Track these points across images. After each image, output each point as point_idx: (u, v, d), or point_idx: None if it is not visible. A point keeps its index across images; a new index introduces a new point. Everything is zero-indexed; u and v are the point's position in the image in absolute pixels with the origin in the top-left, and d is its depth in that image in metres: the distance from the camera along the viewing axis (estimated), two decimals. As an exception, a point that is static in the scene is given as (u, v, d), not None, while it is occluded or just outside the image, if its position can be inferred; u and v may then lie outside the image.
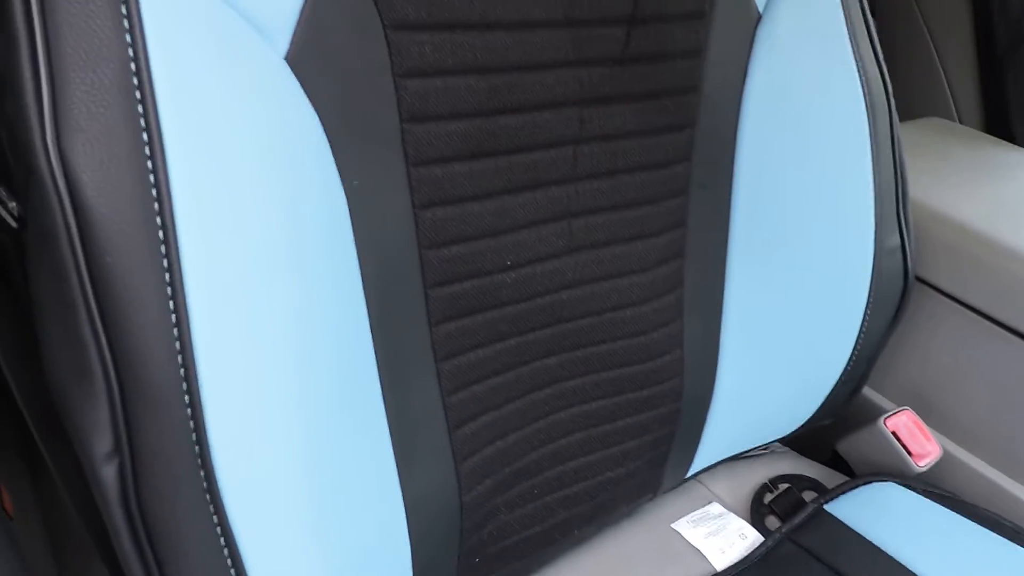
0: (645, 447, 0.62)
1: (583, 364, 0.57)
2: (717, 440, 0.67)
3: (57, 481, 0.43)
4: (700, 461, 0.68)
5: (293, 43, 0.39)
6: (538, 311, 0.53)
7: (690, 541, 0.66)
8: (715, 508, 0.70)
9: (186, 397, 0.36)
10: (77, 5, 0.33)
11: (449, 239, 0.47)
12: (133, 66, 0.33)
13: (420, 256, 0.47)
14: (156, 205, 0.34)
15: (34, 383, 0.39)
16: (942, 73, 0.95)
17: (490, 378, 0.52)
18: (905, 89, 0.97)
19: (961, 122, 0.95)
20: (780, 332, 0.65)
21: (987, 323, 0.69)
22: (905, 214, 0.66)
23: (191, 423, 0.36)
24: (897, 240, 0.65)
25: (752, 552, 0.65)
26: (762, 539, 0.66)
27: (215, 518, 0.38)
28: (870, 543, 0.63)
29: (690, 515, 0.69)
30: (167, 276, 0.35)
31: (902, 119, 0.66)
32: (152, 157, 0.34)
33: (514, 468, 0.55)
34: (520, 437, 0.55)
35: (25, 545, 0.47)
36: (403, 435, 0.47)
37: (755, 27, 0.58)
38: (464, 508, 0.52)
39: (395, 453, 0.47)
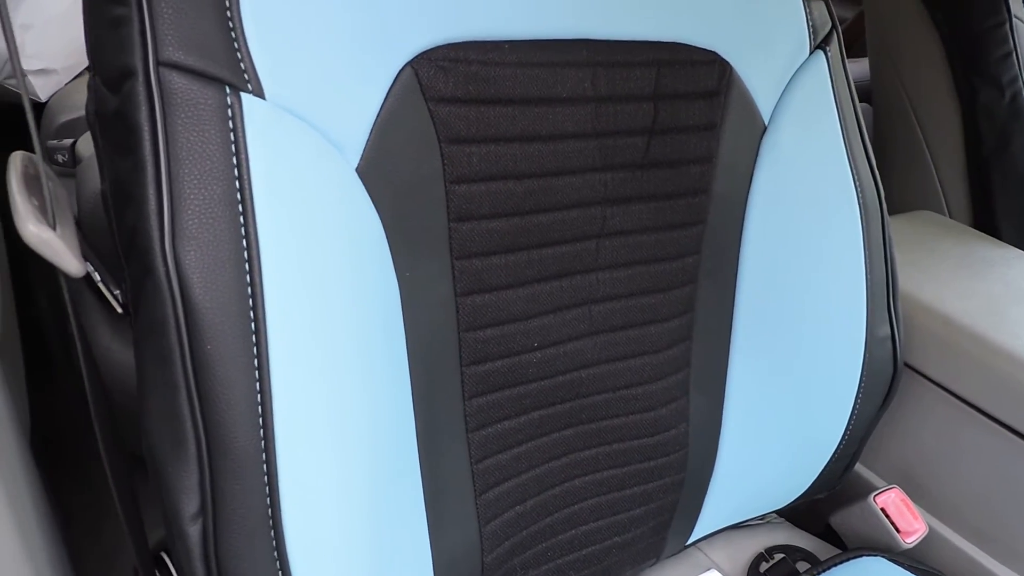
0: (650, 514, 0.66)
1: (597, 436, 0.61)
2: (717, 510, 0.71)
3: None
4: (700, 529, 0.72)
5: (363, 157, 0.45)
6: (559, 388, 0.58)
7: (690, 606, 0.70)
8: (714, 575, 0.74)
9: (264, 466, 0.40)
10: (195, 133, 0.38)
11: (485, 323, 0.53)
12: (237, 183, 0.39)
13: (459, 338, 0.52)
14: (250, 301, 0.40)
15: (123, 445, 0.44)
16: (933, 169, 1.00)
17: (514, 448, 0.57)
18: (899, 183, 1.02)
19: (951, 215, 1.00)
20: (778, 411, 0.69)
21: (971, 411, 0.73)
22: (895, 306, 0.70)
23: (267, 488, 0.41)
24: (888, 330, 0.70)
25: (748, 619, 0.68)
26: (758, 606, 0.69)
27: (280, 573, 0.42)
28: (859, 614, 0.67)
29: (690, 581, 0.72)
30: (255, 361, 0.40)
31: (896, 210, 0.70)
32: (249, 260, 0.39)
33: (531, 531, 0.59)
34: (538, 502, 0.59)
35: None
36: (435, 500, 0.52)
37: (761, 136, 0.64)
38: (485, 568, 0.56)
39: (428, 517, 0.51)
